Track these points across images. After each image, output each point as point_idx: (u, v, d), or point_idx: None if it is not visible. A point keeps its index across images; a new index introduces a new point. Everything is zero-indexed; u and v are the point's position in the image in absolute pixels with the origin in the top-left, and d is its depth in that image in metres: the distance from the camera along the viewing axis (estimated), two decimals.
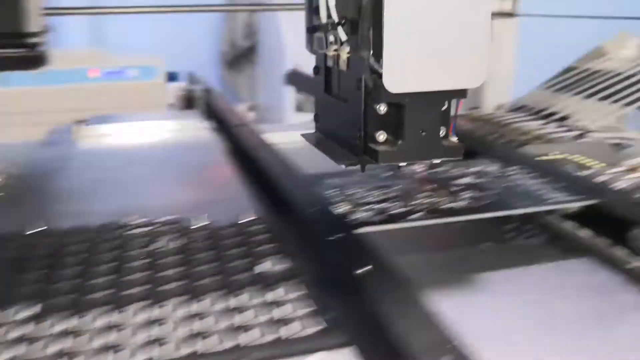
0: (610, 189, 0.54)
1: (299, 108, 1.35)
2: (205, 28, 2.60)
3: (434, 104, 0.43)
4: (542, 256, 0.52)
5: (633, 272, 0.46)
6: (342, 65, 0.47)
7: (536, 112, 0.85)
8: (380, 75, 0.41)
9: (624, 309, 0.43)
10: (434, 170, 0.60)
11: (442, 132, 0.44)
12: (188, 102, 1.03)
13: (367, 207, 0.51)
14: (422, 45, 0.40)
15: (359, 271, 0.38)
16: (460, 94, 0.43)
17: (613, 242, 0.50)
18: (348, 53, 0.45)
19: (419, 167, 0.61)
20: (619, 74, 0.84)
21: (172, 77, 2.43)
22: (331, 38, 0.47)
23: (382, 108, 0.42)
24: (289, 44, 2.21)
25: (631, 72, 0.83)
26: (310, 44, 0.53)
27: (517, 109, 0.90)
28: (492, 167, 0.61)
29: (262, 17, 2.43)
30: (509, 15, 0.98)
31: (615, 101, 0.77)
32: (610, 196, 0.51)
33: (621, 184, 0.56)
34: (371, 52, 0.41)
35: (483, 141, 0.70)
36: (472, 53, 0.41)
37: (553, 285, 0.47)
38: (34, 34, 0.69)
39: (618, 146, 0.77)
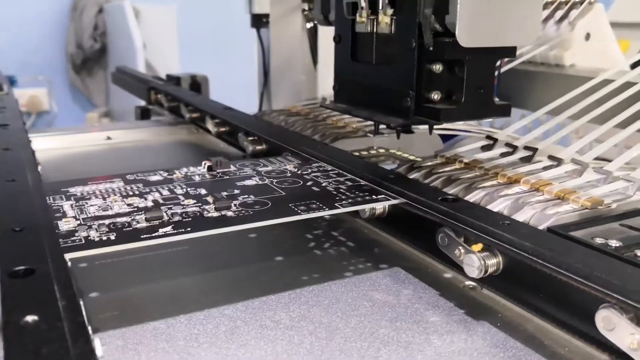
0: (417, 186, 0.45)
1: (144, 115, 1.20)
2: (49, 28, 2.36)
3: (490, 61, 0.43)
4: (340, 269, 0.41)
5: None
6: (384, 28, 0.46)
7: None
8: (439, 34, 0.41)
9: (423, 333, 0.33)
10: (218, 172, 0.48)
11: (482, 91, 0.43)
12: None
13: (100, 222, 0.38)
14: (489, 4, 0.40)
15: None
16: (511, 52, 0.43)
17: (423, 247, 0.40)
18: (391, 15, 0.45)
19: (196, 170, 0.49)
20: None
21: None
22: (362, 3, 0.47)
23: (439, 67, 0.42)
24: (140, 46, 2.04)
25: None
26: (327, 11, 0.54)
27: None
28: (289, 166, 0.50)
29: (109, 16, 2.25)
30: None
31: None
32: (415, 195, 0.41)
33: (434, 180, 0.47)
34: (432, 11, 0.41)
35: (290, 138, 0.59)
36: (530, 9, 0.42)
37: (344, 307, 0.36)
38: None
39: (452, 138, 0.69)
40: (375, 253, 0.44)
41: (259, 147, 0.59)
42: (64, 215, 0.39)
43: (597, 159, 0.48)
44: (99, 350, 0.23)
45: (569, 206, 0.40)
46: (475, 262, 0.34)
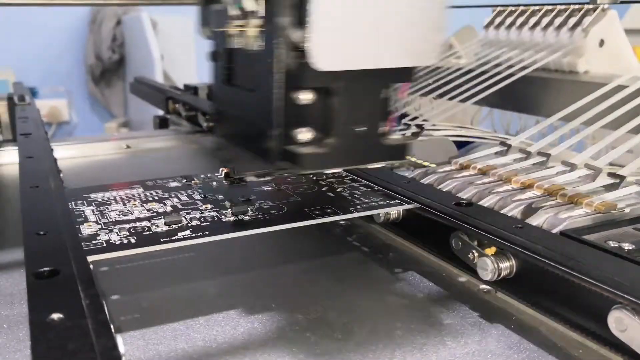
0: (431, 191, 0.45)
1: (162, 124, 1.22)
2: (69, 40, 2.40)
3: (373, 89, 0.33)
4: (355, 273, 0.42)
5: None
6: (250, 43, 0.36)
7: None
8: (303, 51, 0.30)
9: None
10: (234, 178, 0.49)
11: (383, 128, 0.35)
12: None
13: (121, 226, 0.39)
14: (360, 9, 0.30)
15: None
16: (406, 75, 0.34)
17: (438, 251, 0.41)
18: (258, 27, 0.35)
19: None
20: (458, 70, 0.78)
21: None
22: (233, 11, 0.36)
23: (305, 96, 0.32)
24: (157, 57, 2.07)
25: (469, 67, 0.77)
26: (207, 23, 0.42)
27: None
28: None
29: (127, 28, 2.28)
30: None
31: (452, 98, 0.70)
32: (429, 200, 0.42)
33: (449, 185, 0.47)
34: (292, 20, 0.31)
35: None
36: (424, 21, 0.32)
37: (359, 310, 0.37)
38: None
39: (466, 145, 0.70)
40: (390, 257, 0.44)
41: None
42: (86, 219, 0.40)
43: (610, 164, 0.49)
44: (121, 347, 0.24)
45: (582, 210, 0.41)
46: (489, 265, 0.35)
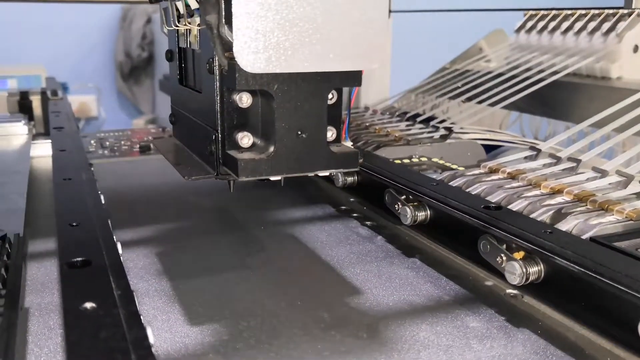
0: (460, 194, 0.45)
1: None
2: (99, 37, 2.44)
3: (316, 93, 0.31)
4: (381, 273, 0.42)
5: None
6: (194, 43, 0.35)
7: (404, 113, 0.77)
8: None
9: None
10: None
11: (331, 135, 0.34)
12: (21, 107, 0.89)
13: None
14: (292, 4, 0.28)
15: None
16: (352, 79, 0.32)
17: (465, 254, 0.41)
18: (199, 25, 0.33)
19: None
20: (487, 74, 0.77)
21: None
22: (180, 7, 0.35)
23: (245, 99, 0.31)
24: None
25: (499, 71, 0.76)
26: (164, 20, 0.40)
27: (386, 110, 0.82)
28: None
29: (156, 26, 2.30)
30: None
31: (481, 101, 0.70)
32: (458, 202, 0.42)
33: (477, 189, 0.47)
34: (222, 16, 0.29)
35: None
36: (365, 23, 0.30)
37: (385, 310, 0.37)
38: None
39: (495, 149, 0.69)
40: (417, 259, 0.44)
41: None
42: None
43: None
44: (150, 338, 0.25)
45: (613, 217, 0.40)
46: (517, 269, 0.35)
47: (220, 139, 0.33)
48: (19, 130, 0.70)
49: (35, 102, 0.86)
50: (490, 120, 0.89)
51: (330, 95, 0.33)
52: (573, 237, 0.36)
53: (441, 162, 0.59)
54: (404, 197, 0.46)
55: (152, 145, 0.44)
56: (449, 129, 0.65)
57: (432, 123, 0.67)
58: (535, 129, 0.87)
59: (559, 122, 0.80)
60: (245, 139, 0.32)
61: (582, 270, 0.32)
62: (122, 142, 0.78)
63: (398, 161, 0.59)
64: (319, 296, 0.39)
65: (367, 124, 0.70)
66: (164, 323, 0.35)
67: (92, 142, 0.77)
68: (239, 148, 0.33)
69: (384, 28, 0.31)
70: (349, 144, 0.35)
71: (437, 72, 0.91)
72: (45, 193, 0.56)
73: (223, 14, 0.30)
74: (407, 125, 0.69)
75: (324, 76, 0.31)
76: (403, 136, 0.64)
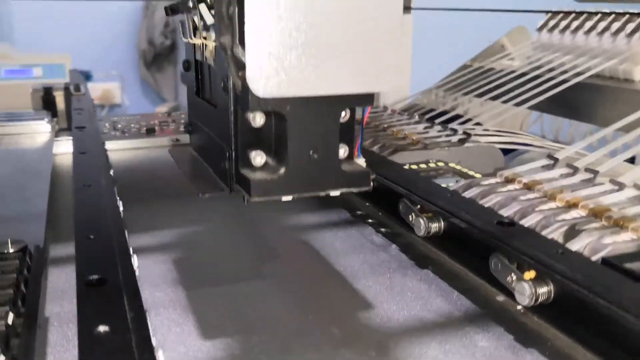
0: (473, 207, 0.45)
1: None
2: (123, 25, 2.46)
3: (328, 113, 0.31)
4: (393, 285, 0.42)
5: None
6: (210, 58, 0.35)
7: (424, 112, 0.77)
8: None
9: None
10: None
11: (344, 152, 0.34)
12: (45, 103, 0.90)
13: None
14: (304, 28, 0.28)
15: None
16: (365, 99, 0.32)
17: (477, 269, 0.41)
18: (215, 41, 0.33)
19: None
20: (510, 73, 0.77)
21: (84, 76, 2.30)
22: (197, 20, 0.35)
23: (258, 119, 0.31)
24: None
25: (522, 70, 0.75)
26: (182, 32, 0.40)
27: (405, 110, 0.82)
28: None
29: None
30: (406, 8, 0.89)
31: (506, 101, 0.69)
32: (471, 216, 0.42)
33: (492, 200, 0.47)
34: (236, 37, 0.29)
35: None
36: (376, 45, 0.30)
37: (395, 326, 0.37)
38: None
39: (513, 151, 0.69)
40: (430, 271, 0.44)
41: None
42: None
43: None
44: None
45: (628, 235, 0.40)
46: (527, 290, 0.35)
47: (233, 157, 0.33)
48: (42, 129, 0.71)
49: (59, 97, 0.87)
50: (511, 120, 0.89)
51: (343, 114, 0.34)
52: (584, 259, 0.36)
53: (458, 167, 0.59)
54: (418, 207, 0.46)
55: (169, 153, 0.44)
56: (467, 133, 0.65)
57: (450, 125, 0.67)
58: (556, 130, 0.86)
59: (581, 124, 0.79)
60: (258, 157, 0.33)
61: (591, 294, 0.32)
62: (132, 125, 0.83)
63: (414, 166, 0.59)
64: (331, 310, 0.39)
65: (385, 126, 0.70)
66: (177, 336, 0.36)
67: (107, 124, 0.83)
68: (252, 166, 0.33)
69: (397, 49, 0.31)
70: (361, 161, 0.35)
71: (459, 69, 0.90)
72: (67, 193, 0.57)
73: (237, 34, 0.30)
74: (425, 128, 0.69)
75: (336, 97, 0.31)
76: (420, 139, 0.64)
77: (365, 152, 0.59)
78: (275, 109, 0.30)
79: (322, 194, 0.34)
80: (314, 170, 0.32)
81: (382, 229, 0.52)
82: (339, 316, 0.38)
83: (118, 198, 0.45)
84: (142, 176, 0.65)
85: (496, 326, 0.37)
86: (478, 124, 0.69)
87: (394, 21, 0.30)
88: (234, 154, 0.33)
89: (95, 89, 2.38)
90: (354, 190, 0.34)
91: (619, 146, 0.56)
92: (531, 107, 0.74)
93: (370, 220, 0.55)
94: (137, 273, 0.34)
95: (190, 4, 0.35)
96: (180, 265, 0.45)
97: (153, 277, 0.43)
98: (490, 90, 0.75)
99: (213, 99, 0.38)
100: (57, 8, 2.29)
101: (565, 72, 0.75)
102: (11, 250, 0.38)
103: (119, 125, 0.84)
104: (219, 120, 0.36)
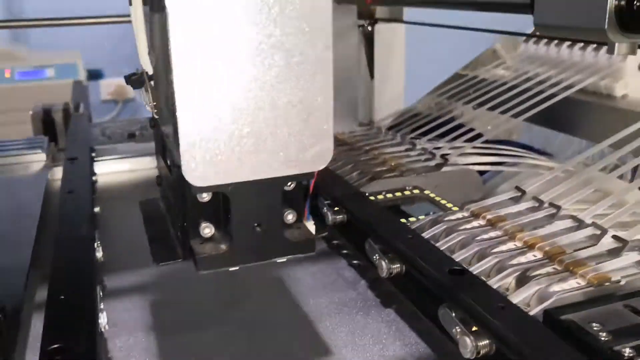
0: (430, 251, 0.46)
1: None
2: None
3: (269, 191, 0.33)
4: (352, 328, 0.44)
5: None
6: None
7: (415, 127, 0.78)
8: None
9: None
10: None
11: (292, 217, 0.35)
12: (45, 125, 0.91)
13: None
14: (239, 122, 0.30)
15: None
16: (305, 176, 0.33)
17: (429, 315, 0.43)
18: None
19: None
20: (504, 84, 0.78)
21: (95, 75, 2.33)
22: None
23: (205, 195, 0.33)
24: None
25: (516, 82, 0.76)
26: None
27: (396, 125, 0.83)
28: None
29: None
30: (397, 21, 0.90)
31: (503, 112, 0.71)
32: (424, 263, 0.43)
33: (454, 239, 0.49)
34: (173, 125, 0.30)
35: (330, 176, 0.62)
36: (310, 123, 0.31)
37: None
38: None
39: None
40: (393, 310, 0.46)
41: None
42: None
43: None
44: None
45: (575, 281, 0.41)
46: (468, 344, 0.36)
47: (184, 228, 0.35)
48: (37, 158, 0.74)
49: (58, 119, 0.89)
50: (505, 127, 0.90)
51: (289, 183, 0.35)
52: (521, 315, 0.37)
53: (432, 195, 0.60)
54: (379, 247, 0.48)
55: (139, 206, 0.46)
56: (445, 157, 0.66)
57: (429, 149, 0.68)
58: (545, 140, 0.87)
59: (568, 136, 0.80)
60: (206, 229, 0.35)
61: (523, 352, 0.33)
62: (118, 132, 0.92)
63: (390, 195, 0.60)
64: (291, 356, 0.42)
65: (367, 148, 0.72)
66: None
67: (99, 130, 0.93)
68: (201, 237, 0.35)
69: (330, 133, 0.32)
70: (310, 223, 0.37)
71: (452, 78, 0.91)
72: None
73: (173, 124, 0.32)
74: (407, 149, 0.70)
75: (275, 178, 0.33)
76: (398, 166, 0.65)
77: (340, 182, 0.61)
78: (218, 190, 0.32)
79: (268, 261, 0.36)
80: (259, 242, 0.34)
81: (355, 261, 0.54)
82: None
83: (98, 245, 0.48)
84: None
85: None
86: (471, 130, 0.69)
87: (325, 108, 0.32)
88: (185, 224, 0.35)
89: (109, 85, 2.42)
90: (299, 256, 0.35)
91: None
92: (521, 119, 0.75)
93: (344, 252, 0.57)
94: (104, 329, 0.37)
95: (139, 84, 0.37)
96: (153, 309, 0.48)
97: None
98: (486, 101, 0.75)
99: (170, 164, 0.40)
100: (67, 6, 2.32)
101: (554, 85, 0.76)
102: None
103: (107, 132, 0.92)
104: (173, 187, 0.38)
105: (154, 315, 0.47)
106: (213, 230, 0.35)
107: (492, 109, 0.76)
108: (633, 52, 0.40)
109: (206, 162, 0.31)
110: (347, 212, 0.54)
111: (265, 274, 0.54)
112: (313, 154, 0.33)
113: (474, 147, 0.69)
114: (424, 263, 0.43)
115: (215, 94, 0.30)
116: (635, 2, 0.38)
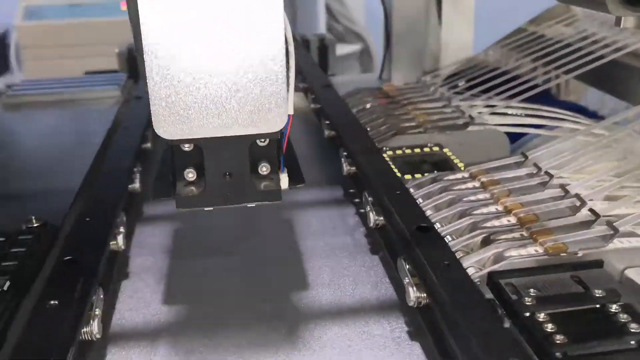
0: (408, 207, 0.50)
1: None
2: None
3: (236, 146, 0.37)
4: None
5: None
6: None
7: (470, 78, 0.80)
8: None
9: None
10: None
11: (266, 170, 0.41)
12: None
13: None
14: (200, 78, 0.34)
15: None
16: (268, 135, 0.37)
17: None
18: None
19: None
20: (560, 41, 0.77)
21: None
22: None
23: (187, 145, 0.37)
24: None
25: (573, 39, 0.76)
26: None
27: (453, 75, 0.85)
28: None
29: None
30: None
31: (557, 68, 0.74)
32: (397, 218, 0.47)
33: (443, 198, 0.52)
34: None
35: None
36: (266, 86, 0.35)
37: None
38: None
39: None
40: (378, 257, 0.51)
41: None
42: None
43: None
44: None
45: (533, 249, 0.44)
46: (411, 295, 0.41)
47: (172, 172, 0.42)
48: (110, 94, 0.83)
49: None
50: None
51: (262, 140, 0.40)
52: (461, 274, 0.41)
53: (449, 154, 0.63)
54: (371, 200, 0.52)
55: None
56: (472, 116, 0.67)
57: (462, 107, 0.70)
58: (600, 103, 0.85)
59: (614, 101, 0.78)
60: (190, 174, 0.40)
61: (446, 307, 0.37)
62: None
63: (409, 151, 0.64)
64: (276, 289, 0.48)
65: (404, 102, 0.74)
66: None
67: None
68: (184, 181, 0.41)
69: (283, 96, 0.35)
70: (284, 176, 0.42)
71: (513, 33, 0.90)
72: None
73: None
74: (444, 105, 0.72)
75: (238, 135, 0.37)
76: (424, 122, 0.68)
77: (361, 136, 0.65)
78: (188, 142, 0.37)
79: (239, 205, 0.41)
80: (229, 188, 0.40)
81: (363, 210, 0.59)
82: (277, 295, 0.47)
83: (136, 177, 0.56)
84: None
85: (398, 318, 0.44)
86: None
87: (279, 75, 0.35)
88: (172, 169, 0.41)
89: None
90: (267, 202, 0.41)
91: None
92: (576, 78, 0.75)
93: (357, 200, 0.61)
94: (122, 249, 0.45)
95: None
96: (175, 236, 0.56)
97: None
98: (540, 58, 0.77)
99: None
100: None
101: (607, 46, 0.74)
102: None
103: None
104: None
105: (174, 241, 0.55)
106: (196, 175, 0.40)
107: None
108: None
109: (171, 120, 0.36)
110: (356, 164, 0.58)
111: (279, 216, 0.60)
112: (269, 117, 0.37)
113: (508, 107, 0.70)
114: (398, 218, 0.47)
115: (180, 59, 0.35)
116: None
